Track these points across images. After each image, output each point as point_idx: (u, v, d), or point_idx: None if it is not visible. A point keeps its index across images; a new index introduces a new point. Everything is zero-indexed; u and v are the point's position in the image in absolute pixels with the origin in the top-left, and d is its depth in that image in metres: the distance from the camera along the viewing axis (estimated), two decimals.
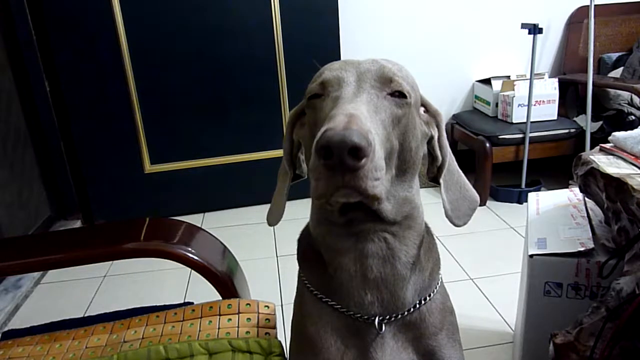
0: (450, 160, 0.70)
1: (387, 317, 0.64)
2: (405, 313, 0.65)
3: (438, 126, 0.69)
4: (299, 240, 0.74)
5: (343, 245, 0.63)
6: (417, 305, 0.66)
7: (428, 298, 0.67)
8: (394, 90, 0.60)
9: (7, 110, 2.16)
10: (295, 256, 0.74)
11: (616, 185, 0.93)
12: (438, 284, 0.70)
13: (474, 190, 0.71)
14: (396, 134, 0.59)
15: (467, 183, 0.72)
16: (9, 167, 2.11)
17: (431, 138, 0.68)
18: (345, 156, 0.48)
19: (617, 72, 2.58)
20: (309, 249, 0.70)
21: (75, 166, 2.46)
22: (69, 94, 2.33)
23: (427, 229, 0.71)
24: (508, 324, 1.59)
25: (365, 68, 0.61)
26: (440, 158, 0.69)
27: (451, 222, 0.68)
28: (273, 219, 0.71)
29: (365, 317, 0.64)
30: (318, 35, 2.42)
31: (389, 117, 0.58)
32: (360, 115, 0.53)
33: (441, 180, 0.69)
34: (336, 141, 0.48)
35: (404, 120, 0.60)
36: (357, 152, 0.49)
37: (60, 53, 2.26)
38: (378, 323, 0.64)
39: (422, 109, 0.68)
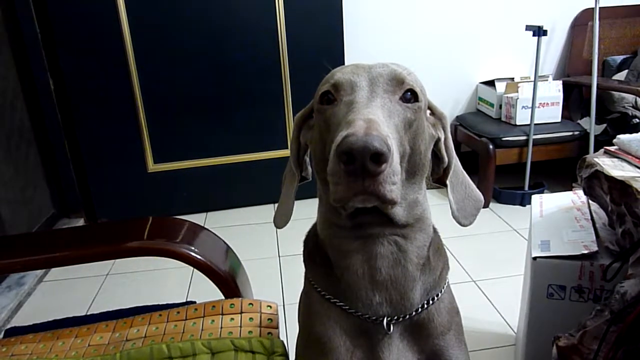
0: (456, 162, 0.70)
1: (396, 317, 0.64)
2: (414, 313, 0.65)
3: (444, 128, 0.69)
4: (305, 241, 0.74)
5: (350, 248, 0.63)
6: (426, 305, 0.66)
7: (436, 298, 0.67)
8: (405, 91, 0.61)
9: (11, 109, 2.16)
10: (300, 257, 0.74)
11: (620, 188, 0.92)
12: (445, 284, 0.70)
13: (478, 190, 0.72)
14: (407, 138, 0.60)
15: (471, 183, 0.72)
16: (13, 165, 2.12)
17: (437, 140, 0.68)
18: (367, 162, 0.49)
19: (621, 75, 2.57)
20: (316, 250, 0.70)
21: (78, 164, 2.47)
22: (73, 92, 2.33)
23: (435, 230, 0.71)
24: (510, 327, 1.58)
25: (377, 72, 0.61)
26: (446, 160, 0.69)
27: (458, 222, 0.69)
28: (281, 221, 0.71)
29: (374, 317, 0.64)
30: (322, 36, 2.42)
31: (401, 121, 0.59)
32: (378, 121, 0.53)
33: (448, 182, 0.69)
34: (359, 147, 0.49)
35: (414, 124, 0.61)
36: (379, 158, 0.49)
37: (64, 52, 2.27)
38: (387, 323, 0.64)
39: (427, 112, 0.68)
